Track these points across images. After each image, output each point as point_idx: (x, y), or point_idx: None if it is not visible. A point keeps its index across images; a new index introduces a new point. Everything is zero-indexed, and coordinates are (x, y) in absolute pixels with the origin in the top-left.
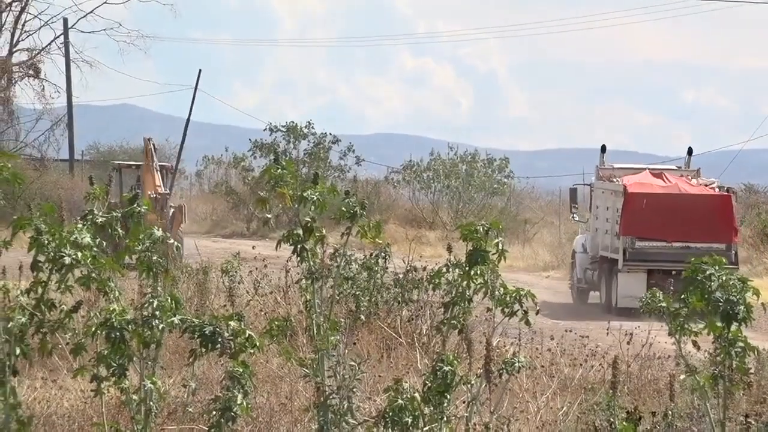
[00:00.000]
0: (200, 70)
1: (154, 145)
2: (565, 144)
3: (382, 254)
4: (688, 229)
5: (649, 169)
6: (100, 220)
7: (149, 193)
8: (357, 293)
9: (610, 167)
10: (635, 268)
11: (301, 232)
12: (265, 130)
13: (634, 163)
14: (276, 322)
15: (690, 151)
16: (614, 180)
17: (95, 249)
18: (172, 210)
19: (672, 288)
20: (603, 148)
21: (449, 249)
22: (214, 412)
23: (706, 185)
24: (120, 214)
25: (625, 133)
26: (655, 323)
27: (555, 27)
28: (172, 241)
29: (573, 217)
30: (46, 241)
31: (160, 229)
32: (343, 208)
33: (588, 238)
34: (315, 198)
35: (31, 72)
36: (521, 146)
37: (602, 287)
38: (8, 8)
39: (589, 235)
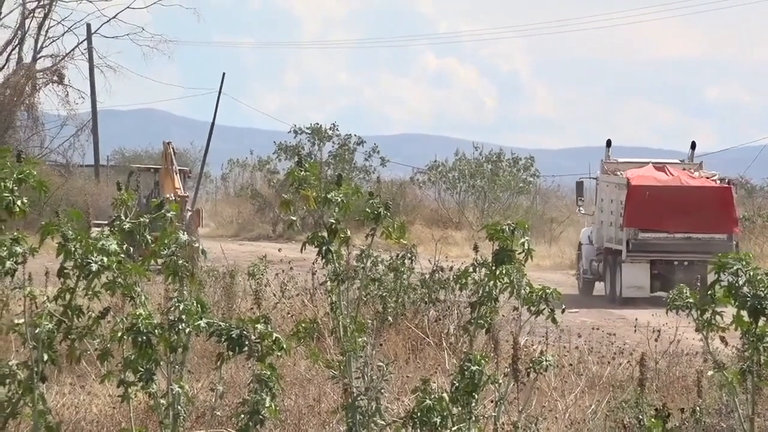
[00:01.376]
0: (224, 74)
1: (173, 148)
2: (590, 142)
3: (408, 255)
4: (690, 220)
5: (652, 162)
6: (127, 226)
7: (168, 195)
8: (384, 294)
9: (614, 161)
10: (638, 259)
11: (325, 234)
12: (289, 132)
13: (654, 159)
14: (303, 325)
15: (693, 145)
16: (618, 173)
17: (122, 255)
18: (189, 213)
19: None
20: (608, 143)
21: (476, 249)
22: (242, 416)
23: (708, 178)
24: (147, 220)
25: (648, 131)
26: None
27: (576, 26)
28: (198, 245)
29: (579, 210)
30: (73, 248)
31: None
32: (368, 210)
33: (593, 231)
34: (339, 200)
35: (55, 78)
36: (546, 144)
37: (607, 278)
38: (32, 15)
39: (595, 227)
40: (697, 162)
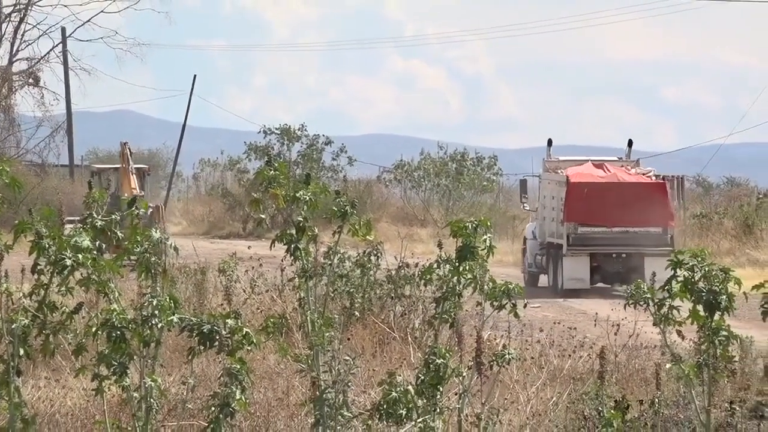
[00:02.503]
0: (195, 76)
1: (129, 149)
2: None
3: (375, 252)
4: (627, 215)
5: (591, 160)
6: (99, 223)
7: (125, 195)
8: (351, 290)
9: (555, 159)
10: (578, 253)
11: (294, 231)
12: (259, 132)
13: (583, 156)
14: (272, 320)
15: (630, 143)
16: (559, 171)
17: (95, 252)
18: (150, 211)
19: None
20: (549, 142)
21: (440, 245)
22: (213, 408)
23: (644, 174)
24: (118, 217)
25: (612, 130)
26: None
27: (541, 28)
28: (170, 242)
29: (523, 206)
30: (47, 245)
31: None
32: (335, 208)
33: (537, 226)
34: (307, 198)
35: (30, 80)
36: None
37: (550, 270)
38: (8, 19)
39: (538, 223)
40: (633, 159)
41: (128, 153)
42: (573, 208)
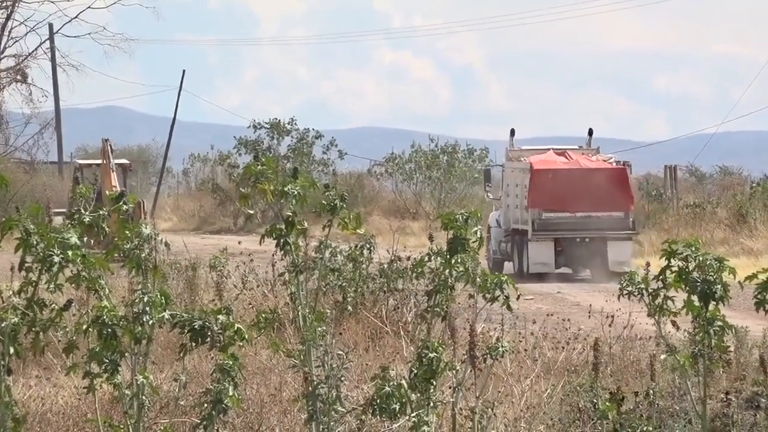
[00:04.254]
0: (184, 71)
1: (110, 145)
2: (544, 133)
3: (367, 245)
4: (589, 200)
5: (553, 148)
6: (87, 219)
7: (106, 191)
8: (343, 284)
9: (518, 149)
10: (543, 238)
11: (283, 226)
12: (249, 127)
13: (560, 146)
14: (264, 315)
15: (590, 132)
16: (522, 160)
17: (84, 249)
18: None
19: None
20: (512, 132)
21: (431, 238)
22: (205, 405)
23: (605, 161)
24: (107, 213)
25: (603, 121)
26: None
27: (528, 19)
28: (161, 237)
29: (487, 195)
30: (35, 242)
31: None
32: (324, 202)
33: (501, 214)
34: (296, 192)
35: (18, 77)
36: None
37: (515, 256)
38: None
39: (502, 211)
40: (594, 147)
41: (109, 150)
42: (537, 194)
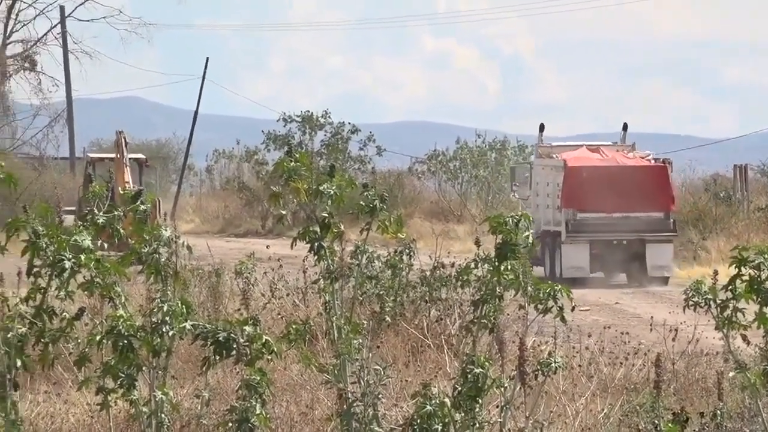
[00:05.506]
0: (207, 59)
1: (125, 138)
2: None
3: (407, 250)
4: (627, 200)
5: (586, 145)
6: (101, 220)
7: (119, 188)
8: (381, 293)
9: (548, 145)
10: (578, 240)
11: (317, 228)
12: (278, 120)
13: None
14: (294, 326)
15: (625, 127)
16: (553, 156)
17: (98, 253)
18: None
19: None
20: (541, 127)
21: (477, 243)
22: (230, 424)
23: (642, 158)
24: (122, 213)
25: (664, 115)
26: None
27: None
28: (182, 240)
29: (513, 195)
30: (44, 245)
31: None
32: (362, 202)
33: (530, 212)
34: (331, 192)
35: (26, 65)
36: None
37: (546, 260)
38: None
39: (531, 211)
40: (629, 143)
41: (123, 143)
42: (571, 193)
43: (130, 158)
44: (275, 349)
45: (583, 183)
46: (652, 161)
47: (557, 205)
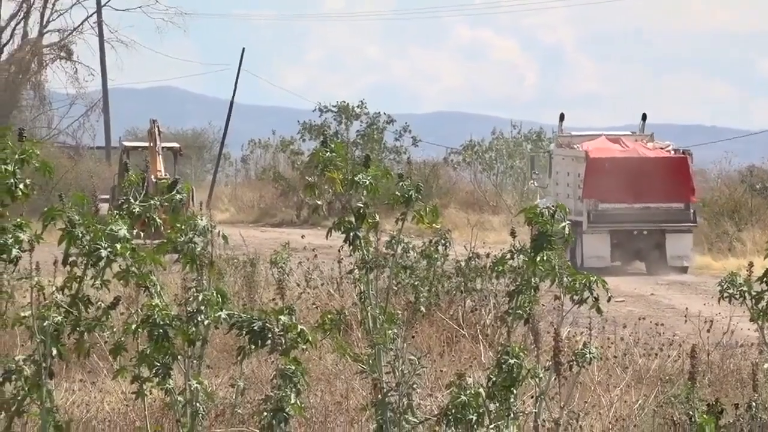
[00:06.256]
0: (243, 49)
1: (158, 126)
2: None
3: (442, 241)
4: (648, 190)
5: (605, 135)
6: (136, 209)
7: (152, 177)
8: (416, 283)
9: (568, 134)
10: (599, 230)
11: (353, 218)
12: (314, 111)
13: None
14: (329, 316)
15: (644, 117)
16: (574, 147)
17: (133, 242)
18: None
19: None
20: (561, 117)
21: (513, 234)
22: (265, 414)
23: (662, 148)
24: (158, 203)
25: (701, 108)
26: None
27: None
28: (218, 230)
29: (533, 183)
30: (80, 234)
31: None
32: (398, 192)
33: (549, 203)
34: (367, 182)
35: (63, 54)
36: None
37: (567, 249)
38: None
39: (550, 199)
40: (648, 134)
41: (157, 131)
42: (593, 184)
43: (163, 147)
44: (310, 339)
45: (605, 174)
46: (672, 152)
47: (578, 195)
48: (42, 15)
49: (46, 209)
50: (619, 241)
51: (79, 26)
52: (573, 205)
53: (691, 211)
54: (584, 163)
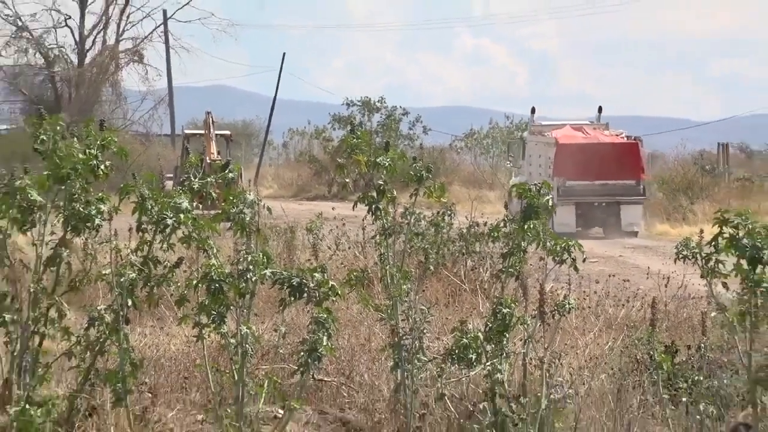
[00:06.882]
0: (284, 54)
1: (212, 117)
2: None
3: (448, 212)
4: (605, 170)
5: (570, 124)
6: (196, 186)
7: (207, 159)
8: (425, 247)
9: (539, 124)
10: (566, 202)
11: (374, 194)
12: (342, 105)
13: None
14: (355, 273)
15: (600, 110)
16: (545, 134)
17: (194, 212)
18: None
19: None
20: (533, 110)
21: (506, 206)
22: (302, 353)
23: (617, 135)
24: (214, 180)
25: (663, 102)
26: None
27: (603, 7)
28: (263, 203)
29: (508, 164)
30: (150, 206)
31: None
32: (411, 172)
33: (522, 181)
34: (387, 163)
35: (135, 58)
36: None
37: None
38: (114, 2)
39: (524, 177)
40: (604, 123)
41: (210, 121)
42: (561, 164)
43: (217, 134)
44: (339, 292)
45: (571, 157)
46: (625, 139)
47: (548, 174)
48: (118, 26)
49: (122, 186)
50: (583, 211)
51: (149, 35)
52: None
53: (641, 186)
54: (554, 148)
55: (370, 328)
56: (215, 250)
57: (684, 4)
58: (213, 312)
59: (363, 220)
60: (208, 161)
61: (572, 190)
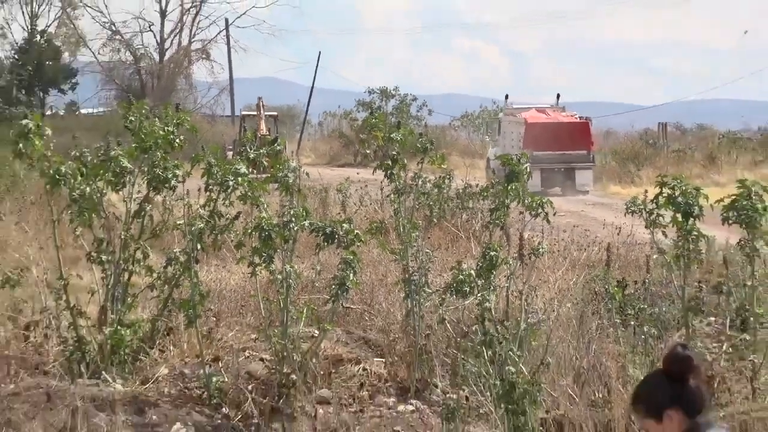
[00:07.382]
0: (320, 52)
1: (262, 102)
2: (581, 97)
3: (447, 176)
4: (564, 143)
5: (535, 107)
6: (251, 155)
7: (258, 135)
8: (430, 204)
9: (511, 107)
10: (533, 168)
11: (390, 162)
12: (365, 92)
13: (538, 103)
14: (375, 224)
15: (558, 96)
16: (516, 115)
17: (249, 176)
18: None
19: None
20: (506, 96)
21: (494, 172)
22: (333, 286)
23: (572, 116)
24: (265, 151)
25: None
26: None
27: (575, 16)
28: (303, 169)
29: (486, 138)
30: (215, 171)
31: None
32: (418, 145)
33: (498, 151)
34: (399, 138)
35: (203, 56)
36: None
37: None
38: (187, 12)
39: (499, 149)
40: (561, 106)
41: (261, 104)
42: (529, 139)
43: (266, 115)
44: (363, 239)
45: (537, 133)
46: (578, 118)
47: (519, 146)
48: (190, 31)
49: (193, 156)
50: (546, 175)
51: (214, 38)
52: (516, 153)
53: (591, 155)
54: (523, 126)
55: (386, 267)
56: (266, 206)
57: (629, 15)
58: (264, 254)
59: (381, 182)
60: (260, 136)
61: (538, 159)
